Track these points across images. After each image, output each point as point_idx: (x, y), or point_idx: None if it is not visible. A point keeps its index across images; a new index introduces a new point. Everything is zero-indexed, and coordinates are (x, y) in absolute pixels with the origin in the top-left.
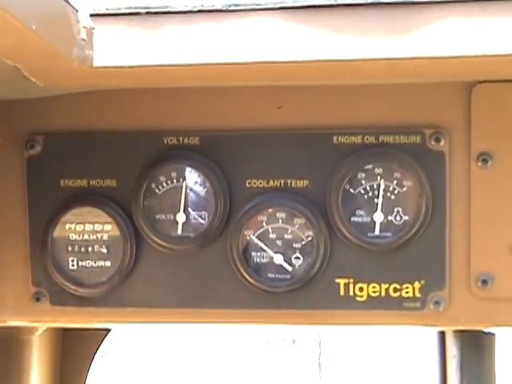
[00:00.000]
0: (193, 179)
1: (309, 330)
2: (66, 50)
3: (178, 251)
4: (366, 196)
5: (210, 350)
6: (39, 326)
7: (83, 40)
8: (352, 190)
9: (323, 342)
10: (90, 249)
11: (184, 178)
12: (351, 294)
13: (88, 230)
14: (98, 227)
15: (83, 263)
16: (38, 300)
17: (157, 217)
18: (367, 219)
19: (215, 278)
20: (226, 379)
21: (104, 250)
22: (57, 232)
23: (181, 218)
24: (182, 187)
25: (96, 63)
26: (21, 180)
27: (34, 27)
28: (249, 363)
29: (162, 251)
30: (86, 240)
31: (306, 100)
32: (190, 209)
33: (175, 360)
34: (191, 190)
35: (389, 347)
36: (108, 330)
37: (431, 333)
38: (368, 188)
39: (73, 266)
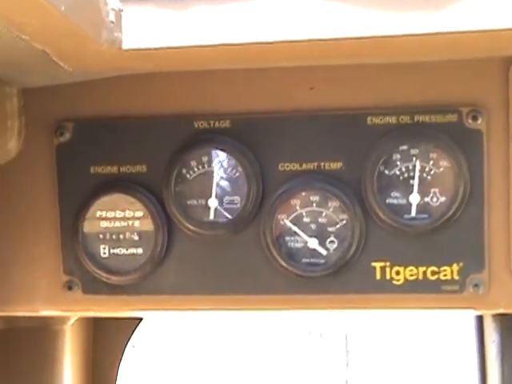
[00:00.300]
0: (224, 163)
1: (342, 315)
2: (95, 33)
3: (211, 237)
4: (401, 177)
5: (238, 342)
6: (71, 315)
7: (112, 22)
8: (387, 172)
9: (350, 334)
10: (121, 236)
11: (216, 163)
12: (388, 277)
13: (119, 217)
14: (129, 214)
15: (115, 251)
16: (70, 289)
17: (188, 202)
18: (403, 201)
19: (248, 264)
20: (254, 372)
21: (135, 238)
22: (87, 220)
23: (213, 203)
24: (213, 172)
25: (125, 46)
26: (50, 168)
27: (62, 9)
28: (277, 356)
29: (194, 237)
30: (117, 227)
31: (338, 80)
32: (221, 194)
33: (204, 350)
34: (223, 174)
35: (418, 338)
36: (140, 319)
37: (468, 318)
38: (403, 169)
39: (104, 253)
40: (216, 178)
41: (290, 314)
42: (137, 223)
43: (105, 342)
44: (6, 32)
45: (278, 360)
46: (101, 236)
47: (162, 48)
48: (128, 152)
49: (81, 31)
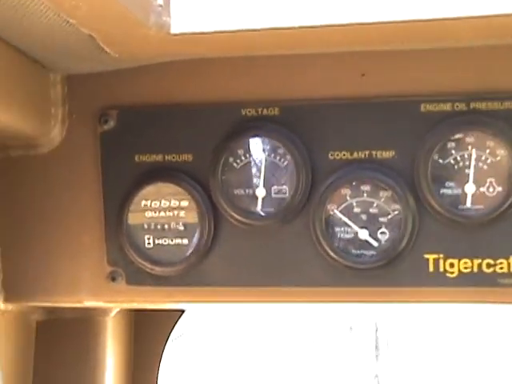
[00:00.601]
0: (273, 152)
1: (395, 308)
2: (143, 17)
3: (258, 227)
4: (456, 167)
5: (270, 333)
6: (114, 306)
7: (160, 6)
8: (441, 161)
9: (380, 328)
10: (166, 226)
11: (264, 151)
12: (441, 270)
13: (164, 206)
14: (174, 204)
15: (160, 241)
16: (113, 280)
17: (235, 192)
18: (458, 191)
19: (297, 255)
20: (283, 364)
21: (181, 228)
22: (132, 209)
23: (260, 192)
24: (261, 160)
25: (173, 30)
26: (94, 156)
27: None
28: (307, 349)
29: (241, 228)
30: (162, 217)
31: (390, 66)
32: (270, 183)
33: (244, 342)
34: (271, 163)
35: (452, 330)
36: (182, 312)
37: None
38: (458, 158)
39: (149, 244)
40: (264, 167)
41: (337, 306)
42: (182, 213)
43: (146, 335)
44: (54, 16)
45: (308, 353)
46: (145, 226)
47: (211, 32)
48: (173, 140)
49: (129, 15)
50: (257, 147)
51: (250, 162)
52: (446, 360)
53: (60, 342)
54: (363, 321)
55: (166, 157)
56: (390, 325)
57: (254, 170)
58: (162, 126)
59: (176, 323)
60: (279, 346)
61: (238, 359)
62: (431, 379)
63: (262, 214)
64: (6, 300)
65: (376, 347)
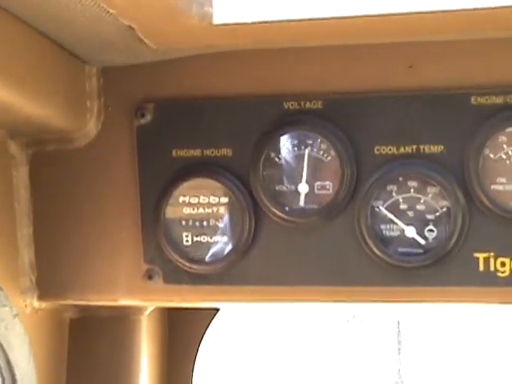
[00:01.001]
0: (316, 146)
1: (447, 308)
2: (185, 7)
3: (301, 225)
4: (508, 162)
5: (294, 327)
6: (151, 305)
7: None
8: (492, 156)
9: (402, 322)
10: (205, 223)
11: (306, 146)
12: (492, 269)
13: (203, 203)
14: (213, 200)
15: (198, 238)
16: (150, 278)
17: (277, 188)
18: (510, 187)
19: (341, 253)
20: (305, 358)
21: (220, 225)
22: (169, 206)
23: (303, 188)
24: (304, 155)
25: (216, 20)
26: (131, 151)
27: None
28: (329, 341)
29: (282, 225)
30: (200, 214)
31: (439, 57)
32: (313, 179)
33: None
34: (314, 158)
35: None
36: (217, 310)
37: None
38: (510, 153)
39: (187, 241)
40: (307, 162)
41: (382, 306)
42: (222, 209)
43: (180, 334)
44: (93, 6)
45: (329, 347)
46: (183, 223)
47: (253, 22)
48: (212, 134)
49: (171, 4)
50: (299, 141)
51: (292, 157)
52: (468, 355)
53: (94, 340)
54: (385, 315)
55: (205, 151)
56: (411, 319)
57: (296, 165)
58: (200, 119)
59: (211, 321)
60: (298, 342)
61: (269, 355)
62: (453, 374)
63: (305, 210)
64: (40, 298)
65: (398, 342)
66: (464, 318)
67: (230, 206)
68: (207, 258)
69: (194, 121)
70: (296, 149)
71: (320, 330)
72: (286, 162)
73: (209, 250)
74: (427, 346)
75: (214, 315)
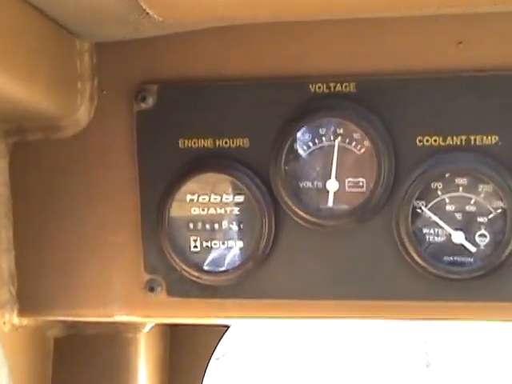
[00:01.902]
0: (348, 136)
1: (500, 326)
2: None
3: (329, 228)
4: None
5: (317, 346)
6: (153, 321)
7: None
8: None
9: (429, 339)
10: (216, 226)
11: (336, 135)
12: None
13: (214, 202)
14: (226, 198)
15: (208, 244)
16: (151, 290)
17: (301, 185)
18: None
19: (376, 262)
20: (332, 374)
21: (235, 228)
22: (175, 205)
23: (332, 185)
24: (333, 147)
25: None
26: (130, 141)
27: None
28: (356, 361)
29: (308, 228)
30: (211, 215)
31: (494, 33)
32: (343, 174)
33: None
34: (346, 150)
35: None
36: (227, 327)
37: None
38: None
39: (195, 247)
40: (336, 155)
41: (425, 323)
42: (236, 210)
43: (184, 354)
44: None
45: (356, 362)
46: (191, 225)
47: None
48: (226, 122)
49: None
50: (328, 130)
51: (319, 149)
52: (495, 370)
53: (82, 363)
54: (412, 332)
55: (217, 142)
56: (440, 336)
57: (324, 159)
58: (212, 104)
59: (220, 340)
60: (326, 357)
61: (284, 373)
62: None
63: (334, 211)
64: (21, 313)
65: (426, 355)
66: (492, 334)
67: (246, 206)
68: (219, 267)
69: (204, 106)
70: (324, 139)
71: (346, 344)
72: (313, 154)
73: (221, 257)
74: (454, 360)
75: (224, 333)
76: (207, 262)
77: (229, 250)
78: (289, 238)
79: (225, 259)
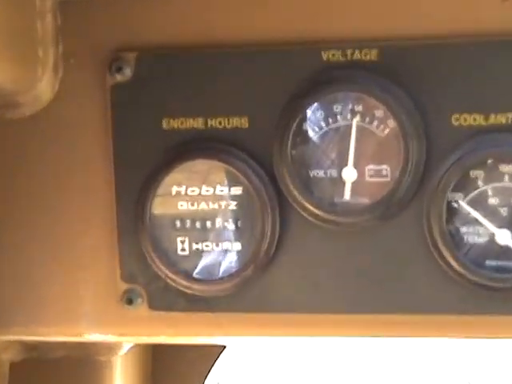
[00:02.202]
0: (368, 114)
1: None
2: None
3: (345, 227)
4: None
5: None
6: (130, 341)
7: None
8: None
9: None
10: (209, 224)
11: (354, 113)
12: None
13: (206, 195)
14: (221, 191)
15: (199, 246)
16: (129, 303)
17: (312, 174)
18: None
19: (403, 269)
20: None
21: (231, 226)
22: (158, 199)
23: (350, 174)
24: (351, 127)
25: None
26: (103, 121)
27: None
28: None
29: (319, 226)
30: (203, 211)
31: None
32: (363, 161)
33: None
34: (366, 131)
35: None
36: (222, 348)
37: None
38: None
39: (184, 250)
40: (355, 137)
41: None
42: (233, 205)
43: (171, 381)
44: None
45: None
46: (178, 223)
47: None
48: (220, 98)
49: None
50: (344, 107)
51: (333, 130)
52: None
53: None
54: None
55: (210, 122)
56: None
57: (339, 142)
58: (202, 76)
59: (214, 363)
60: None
61: None
62: None
63: (352, 206)
64: None
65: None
66: None
67: (245, 200)
68: (212, 275)
69: (193, 78)
70: (339, 118)
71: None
72: (325, 136)
73: (214, 262)
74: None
75: (219, 355)
76: (198, 268)
77: (224, 254)
78: (297, 239)
79: (219, 265)
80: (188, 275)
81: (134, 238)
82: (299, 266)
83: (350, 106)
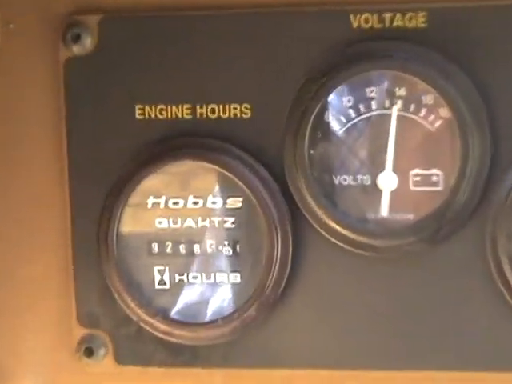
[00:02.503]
0: (413, 101)
1: None
2: None
3: (382, 252)
4: None
5: None
6: None
7: None
8: None
9: None
10: (197, 248)
11: (394, 99)
12: None
13: (194, 208)
14: (213, 203)
15: (184, 277)
16: (89, 354)
17: (337, 180)
18: None
19: (459, 308)
20: None
21: (227, 251)
22: (129, 214)
23: (388, 181)
24: (389, 118)
25: None
26: (53, 106)
27: None
28: None
29: (346, 252)
30: (189, 230)
31: None
32: (406, 163)
33: None
34: (410, 123)
35: None
36: None
37: None
38: None
39: (162, 283)
40: (395, 132)
41: None
42: (230, 222)
43: None
44: None
45: None
46: (155, 247)
47: None
48: (213, 78)
49: None
50: (380, 91)
51: (365, 122)
52: None
53: None
54: None
55: (199, 110)
56: None
57: (374, 138)
58: (189, 48)
59: None
60: None
61: None
62: None
63: (390, 224)
64: None
65: None
66: None
67: (246, 216)
68: (202, 316)
69: (176, 50)
70: (374, 105)
71: None
72: (355, 130)
73: (204, 299)
74: None
75: None
76: (182, 307)
77: (218, 289)
78: (315, 269)
79: (211, 303)
80: (168, 317)
81: (96, 267)
82: (318, 306)
83: (389, 89)
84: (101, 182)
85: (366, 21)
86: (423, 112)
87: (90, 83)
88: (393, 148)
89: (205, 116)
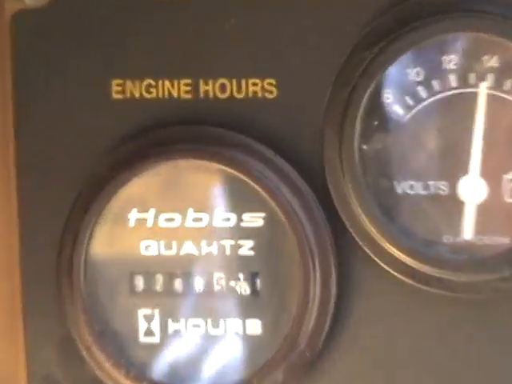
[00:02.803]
0: (510, 73)
1: None
2: None
3: (460, 289)
4: None
5: None
6: None
7: None
8: None
9: None
10: (199, 284)
11: (482, 74)
12: None
13: (195, 227)
14: (223, 220)
15: (180, 327)
16: None
17: (399, 187)
18: None
19: None
20: None
21: (241, 288)
22: (103, 233)
23: (472, 189)
24: (475, 100)
25: None
26: None
27: None
28: None
29: (410, 287)
30: (187, 256)
31: None
32: (499, 164)
33: None
34: (504, 107)
35: None
36: None
37: None
38: None
39: (149, 333)
40: (483, 119)
41: None
42: (247, 246)
43: None
44: None
45: None
46: (140, 282)
47: None
48: (223, 45)
49: None
50: (462, 63)
51: (441, 105)
52: None
53: None
54: None
55: (203, 87)
56: None
57: (451, 128)
58: (184, 5)
59: None
60: None
61: None
62: None
63: (478, 250)
64: None
65: None
66: None
67: (270, 238)
68: (203, 381)
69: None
70: (454, 81)
71: None
72: (425, 117)
73: (208, 357)
74: None
75: None
76: (177, 368)
77: (227, 342)
78: (368, 312)
79: (215, 363)
80: (157, 382)
81: (54, 309)
82: (369, 366)
83: (475, 59)
84: (62, 188)
85: None
86: None
87: (45, 47)
88: (480, 143)
89: (211, 95)
